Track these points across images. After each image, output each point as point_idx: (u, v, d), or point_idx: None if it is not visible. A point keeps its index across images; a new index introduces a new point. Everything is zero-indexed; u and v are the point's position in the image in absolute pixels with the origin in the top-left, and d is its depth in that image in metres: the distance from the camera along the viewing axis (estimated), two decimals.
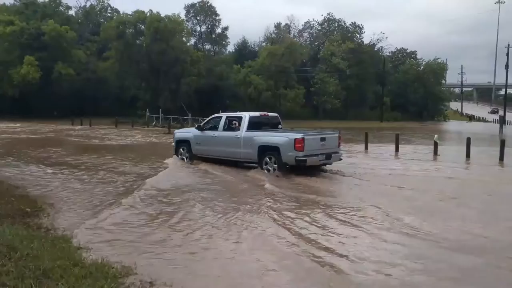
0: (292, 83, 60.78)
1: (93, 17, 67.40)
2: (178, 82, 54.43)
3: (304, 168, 12.73)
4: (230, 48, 70.29)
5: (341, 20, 72.32)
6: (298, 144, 12.35)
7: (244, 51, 68.41)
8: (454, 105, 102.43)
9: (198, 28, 65.98)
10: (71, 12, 64.83)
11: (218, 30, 66.28)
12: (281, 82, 60.09)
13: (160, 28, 52.46)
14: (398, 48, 77.81)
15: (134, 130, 38.60)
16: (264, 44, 68.21)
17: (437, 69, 71.53)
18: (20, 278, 4.41)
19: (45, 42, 52.03)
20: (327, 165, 13.83)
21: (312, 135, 13.39)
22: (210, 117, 15.84)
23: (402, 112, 68.51)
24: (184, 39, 57.82)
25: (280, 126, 15.08)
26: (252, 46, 70.93)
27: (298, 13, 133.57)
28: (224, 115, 15.31)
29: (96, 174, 13.04)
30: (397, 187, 11.72)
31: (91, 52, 59.11)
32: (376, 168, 15.21)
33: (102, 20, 65.98)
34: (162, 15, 55.18)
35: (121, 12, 64.39)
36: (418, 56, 77.38)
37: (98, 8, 68.96)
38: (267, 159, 13.06)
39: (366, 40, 72.56)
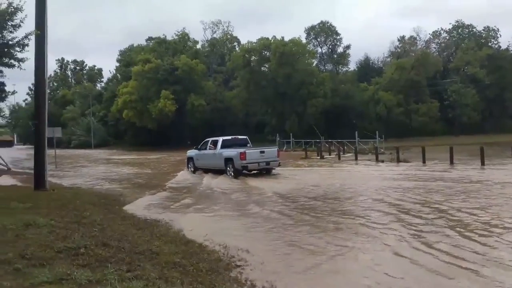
0: (424, 97, 57.05)
1: (218, 48, 70.32)
2: (304, 105, 53.87)
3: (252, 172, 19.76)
4: (351, 66, 68.51)
5: (472, 26, 66.74)
6: (242, 156, 19.00)
7: (367, 68, 66.17)
8: None
9: (319, 50, 65.29)
10: (199, 46, 68.29)
11: (340, 50, 64.91)
12: (411, 97, 56.73)
13: (285, 53, 52.78)
14: None
15: None
16: (388, 59, 65.43)
17: None
18: None
19: (178, 76, 55.06)
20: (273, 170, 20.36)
21: (252, 150, 20.11)
22: (204, 141, 22.43)
23: None
24: (307, 61, 57.48)
25: (248, 145, 21.41)
26: (376, 62, 68.54)
27: (418, 25, 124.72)
28: (210, 139, 21.99)
29: None
30: None
31: (219, 83, 61.47)
32: None
33: (226, 51, 68.56)
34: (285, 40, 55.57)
35: (242, 41, 66.59)
36: None
37: (222, 40, 71.83)
38: (228, 166, 19.62)
39: (503, 45, 65.91)
